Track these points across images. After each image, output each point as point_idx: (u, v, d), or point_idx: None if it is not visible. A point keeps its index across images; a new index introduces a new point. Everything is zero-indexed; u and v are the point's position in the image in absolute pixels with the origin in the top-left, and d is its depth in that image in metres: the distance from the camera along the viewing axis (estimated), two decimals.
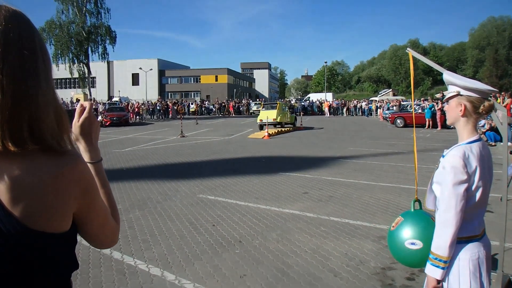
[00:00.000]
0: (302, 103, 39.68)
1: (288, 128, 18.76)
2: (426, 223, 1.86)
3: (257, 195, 6.10)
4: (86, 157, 1.04)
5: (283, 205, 5.50)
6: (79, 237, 0.99)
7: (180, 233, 4.42)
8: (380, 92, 53.72)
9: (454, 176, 1.56)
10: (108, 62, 43.01)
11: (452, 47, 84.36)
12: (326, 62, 58.61)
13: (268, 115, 18.98)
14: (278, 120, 18.77)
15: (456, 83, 1.69)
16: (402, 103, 29.07)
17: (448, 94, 1.72)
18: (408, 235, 1.85)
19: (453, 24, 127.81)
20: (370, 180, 7.10)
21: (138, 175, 7.88)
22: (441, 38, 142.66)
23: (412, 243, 1.81)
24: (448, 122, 1.75)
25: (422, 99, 27.79)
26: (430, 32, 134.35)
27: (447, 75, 1.72)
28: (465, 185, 1.57)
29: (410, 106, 26.95)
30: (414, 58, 2.29)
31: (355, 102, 37.21)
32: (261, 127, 19.19)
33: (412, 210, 1.97)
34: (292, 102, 42.40)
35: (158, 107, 32.08)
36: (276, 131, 16.99)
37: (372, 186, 6.66)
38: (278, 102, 20.75)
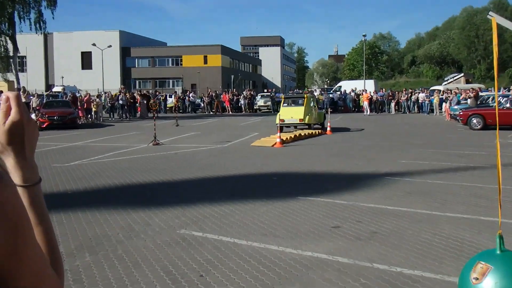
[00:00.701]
0: (330, 95, 39.74)
1: (314, 132, 18.80)
2: None
3: (265, 231, 6.09)
4: (16, 177, 1.00)
5: (303, 246, 5.48)
6: None
7: (152, 287, 4.40)
8: (446, 78, 53.59)
9: None
10: (46, 35, 43.44)
11: None
12: (365, 36, 58.71)
13: (293, 113, 19.57)
14: (306, 121, 19.53)
15: None
16: (480, 93, 29.01)
17: None
18: None
19: None
20: (433, 209, 7.06)
21: (90, 201, 7.91)
22: None
23: None
24: None
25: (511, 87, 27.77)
26: None
27: None
28: None
29: (493, 98, 26.85)
30: (499, 26, 2.27)
31: (408, 92, 37.20)
32: (282, 129, 19.51)
33: (499, 251, 1.93)
34: (315, 93, 42.38)
35: (120, 102, 32.35)
36: (292, 136, 17.07)
37: (436, 217, 6.63)
38: (305, 95, 21.32)
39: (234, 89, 49.83)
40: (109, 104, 32.99)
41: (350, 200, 7.66)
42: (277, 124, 19.49)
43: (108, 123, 28.30)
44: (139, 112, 34.30)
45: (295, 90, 49.31)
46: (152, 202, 7.75)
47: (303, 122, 19.50)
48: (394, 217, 6.65)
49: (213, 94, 40.15)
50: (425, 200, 7.63)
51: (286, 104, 20.77)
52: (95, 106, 29.59)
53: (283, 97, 23.10)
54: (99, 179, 9.79)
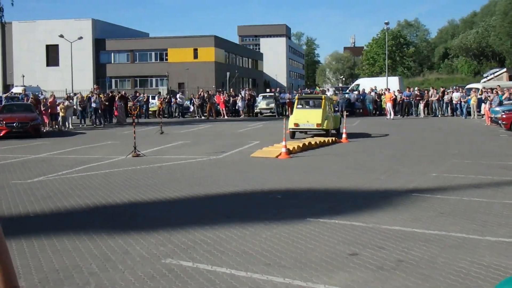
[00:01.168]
0: (346, 95, 39.80)
1: (326, 140, 18.90)
2: None
3: (268, 259, 6.11)
4: None
5: (314, 277, 5.49)
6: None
7: None
8: (485, 74, 53.76)
9: None
10: (3, 25, 43.53)
11: None
12: (387, 24, 58.79)
13: (309, 117, 20.25)
14: (324, 127, 20.17)
15: None
16: None
17: None
18: None
19: None
20: (470, 232, 7.08)
21: (58, 225, 7.93)
22: None
23: None
24: None
25: None
26: None
27: None
28: None
29: None
30: None
31: (440, 92, 37.31)
32: (293, 134, 20.66)
33: None
34: (328, 93, 42.41)
35: (93, 105, 32.45)
36: (301, 145, 17.11)
37: (475, 242, 6.65)
38: (323, 96, 22.07)
39: (231, 89, 49.88)
40: (79, 108, 33.06)
41: (371, 222, 7.68)
42: (289, 129, 20.50)
43: (79, 131, 28.36)
44: (115, 117, 34.37)
45: (303, 90, 49.30)
46: (131, 226, 7.76)
47: (320, 127, 20.06)
48: (424, 242, 6.66)
49: (205, 95, 40.23)
50: (461, 221, 7.65)
51: (300, 106, 21.57)
52: (62, 110, 29.67)
53: (297, 97, 23.80)
54: (68, 199, 9.80)
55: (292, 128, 20.65)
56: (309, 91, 50.84)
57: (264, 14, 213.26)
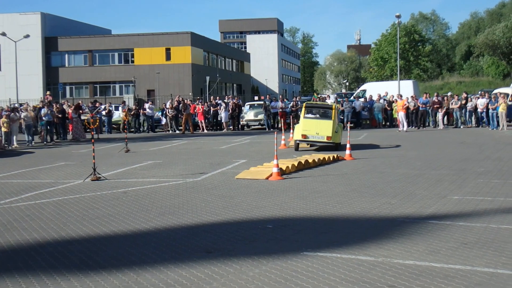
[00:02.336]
0: (353, 103, 40.01)
1: (326, 157, 19.05)
2: None
3: None
4: None
5: None
6: None
7: None
8: None
9: None
10: None
11: None
12: (399, 17, 59.33)
13: (319, 128, 22.17)
14: (332, 140, 22.12)
15: None
16: None
17: None
18: None
19: None
20: (499, 266, 7.12)
21: None
22: None
23: None
24: None
25: None
26: None
27: None
28: None
29: None
30: None
31: (462, 98, 37.57)
32: (298, 146, 22.32)
33: None
34: (328, 101, 42.62)
35: (45, 118, 32.32)
36: (296, 163, 17.18)
37: (504, 278, 6.68)
38: (333, 105, 24.01)
39: (211, 97, 49.96)
40: (26, 122, 32.89)
41: (380, 255, 7.71)
42: (296, 140, 22.68)
43: (25, 149, 28.19)
44: (71, 133, 34.22)
45: (299, 98, 49.38)
46: (89, 265, 7.73)
47: (331, 141, 22.01)
48: (443, 278, 6.68)
49: (180, 105, 40.21)
50: (488, 253, 7.68)
51: (309, 115, 23.18)
52: (5, 125, 29.55)
53: (304, 105, 24.85)
54: (12, 232, 9.75)
55: (299, 140, 22.50)
56: (306, 99, 50.94)
57: (251, 6, 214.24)
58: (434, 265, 7.23)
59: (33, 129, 32.62)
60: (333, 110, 22.95)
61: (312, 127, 22.15)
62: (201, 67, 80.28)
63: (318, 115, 23.39)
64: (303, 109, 23.85)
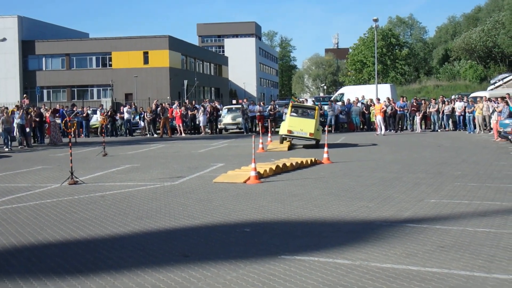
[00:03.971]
0: (336, 107, 40.07)
1: (304, 161, 19.07)
2: None
3: None
4: None
5: None
6: None
7: None
8: (492, 81, 54.77)
9: None
10: None
11: None
12: (376, 21, 59.71)
13: (303, 125, 25.14)
14: (316, 137, 25.08)
15: None
16: None
17: None
18: None
19: None
20: (475, 268, 7.16)
21: None
22: None
23: None
24: None
25: None
26: None
27: None
28: None
29: None
30: None
31: (439, 102, 37.86)
32: (283, 141, 26.24)
33: None
34: (307, 103, 43.03)
35: (20, 122, 32.03)
36: (274, 167, 17.19)
37: (480, 280, 6.72)
38: (316, 107, 27.97)
39: (187, 101, 49.84)
40: (3, 126, 32.58)
41: (357, 259, 7.73)
42: (281, 134, 26.09)
43: (2, 153, 27.94)
44: (48, 136, 33.97)
45: (276, 101, 49.45)
46: (66, 268, 7.67)
47: (313, 137, 24.83)
48: (420, 282, 6.71)
49: (158, 108, 40.11)
50: (464, 256, 7.72)
51: (295, 114, 26.37)
52: None
53: (291, 104, 28.67)
54: None
55: (285, 135, 25.38)
56: (298, 100, 52.07)
57: (229, 10, 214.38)
58: (411, 268, 7.27)
59: (12, 134, 32.34)
60: (316, 111, 25.91)
61: (297, 124, 25.02)
62: (179, 71, 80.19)
63: (302, 114, 26.68)
64: (290, 108, 26.81)
